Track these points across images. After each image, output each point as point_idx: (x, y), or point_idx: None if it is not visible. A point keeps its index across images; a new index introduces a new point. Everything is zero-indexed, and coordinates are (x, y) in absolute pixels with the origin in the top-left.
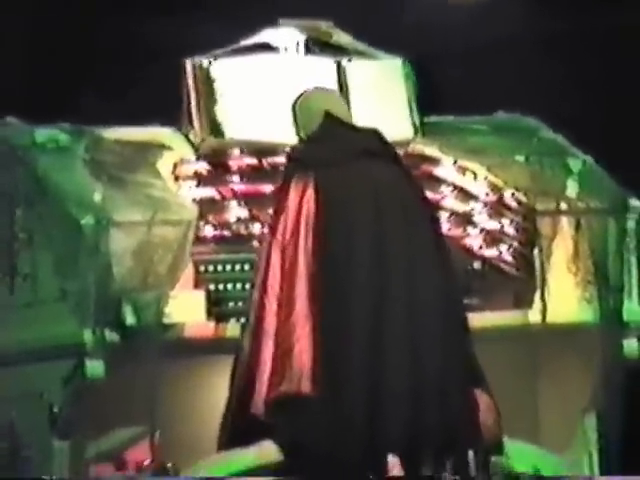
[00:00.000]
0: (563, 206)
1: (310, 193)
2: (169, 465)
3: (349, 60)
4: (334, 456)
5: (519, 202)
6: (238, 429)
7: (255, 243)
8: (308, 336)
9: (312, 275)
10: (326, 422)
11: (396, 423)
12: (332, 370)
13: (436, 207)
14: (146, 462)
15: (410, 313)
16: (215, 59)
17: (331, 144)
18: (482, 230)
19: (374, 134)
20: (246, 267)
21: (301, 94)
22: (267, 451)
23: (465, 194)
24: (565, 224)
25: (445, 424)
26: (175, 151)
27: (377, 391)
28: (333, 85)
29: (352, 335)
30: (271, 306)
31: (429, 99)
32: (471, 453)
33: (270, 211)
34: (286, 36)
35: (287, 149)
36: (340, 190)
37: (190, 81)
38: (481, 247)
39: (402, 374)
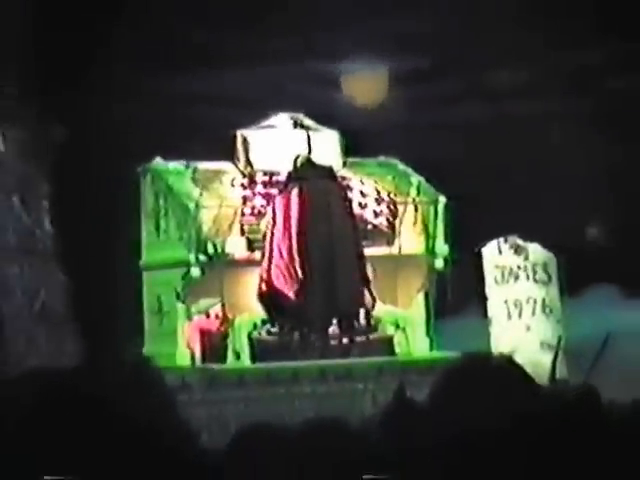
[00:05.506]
0: (409, 199)
1: (295, 194)
2: (230, 317)
3: (311, 131)
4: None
5: (389, 197)
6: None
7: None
8: (295, 263)
9: (298, 235)
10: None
11: (336, 297)
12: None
13: (351, 204)
14: (219, 315)
15: (342, 251)
16: (248, 131)
17: (308, 171)
18: (373, 210)
19: (329, 168)
20: (262, 228)
21: (297, 156)
22: None
23: (363, 194)
24: (410, 207)
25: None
26: (231, 174)
27: (330, 283)
28: (305, 145)
29: (314, 263)
30: (274, 248)
31: (348, 147)
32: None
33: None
34: (283, 120)
35: (286, 172)
36: (312, 194)
37: (239, 141)
38: (373, 218)
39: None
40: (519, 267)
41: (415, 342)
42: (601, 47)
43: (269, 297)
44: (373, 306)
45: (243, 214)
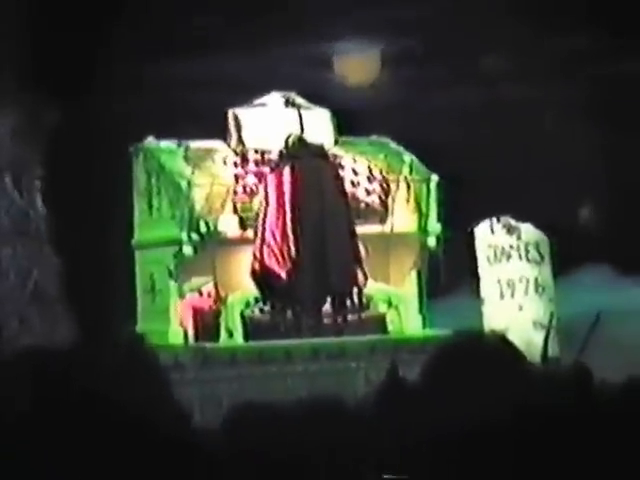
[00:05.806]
0: (401, 177)
1: (288, 172)
2: (223, 295)
3: (303, 110)
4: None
5: (381, 175)
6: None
7: (261, 196)
8: (288, 242)
9: (290, 214)
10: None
11: (328, 276)
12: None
13: (343, 182)
14: (212, 293)
15: (333, 229)
16: (240, 109)
17: (300, 150)
18: (365, 189)
19: (320, 147)
20: (255, 206)
21: (289, 135)
22: None
23: (355, 172)
24: (403, 186)
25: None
26: (223, 152)
27: (322, 262)
28: (297, 123)
29: (307, 241)
30: (267, 226)
31: (340, 126)
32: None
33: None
34: (275, 98)
35: (278, 151)
36: (304, 172)
37: (231, 120)
38: (365, 197)
39: (329, 254)
40: (512, 247)
41: (407, 320)
42: (593, 33)
43: (262, 276)
44: (365, 284)
45: (235, 192)
